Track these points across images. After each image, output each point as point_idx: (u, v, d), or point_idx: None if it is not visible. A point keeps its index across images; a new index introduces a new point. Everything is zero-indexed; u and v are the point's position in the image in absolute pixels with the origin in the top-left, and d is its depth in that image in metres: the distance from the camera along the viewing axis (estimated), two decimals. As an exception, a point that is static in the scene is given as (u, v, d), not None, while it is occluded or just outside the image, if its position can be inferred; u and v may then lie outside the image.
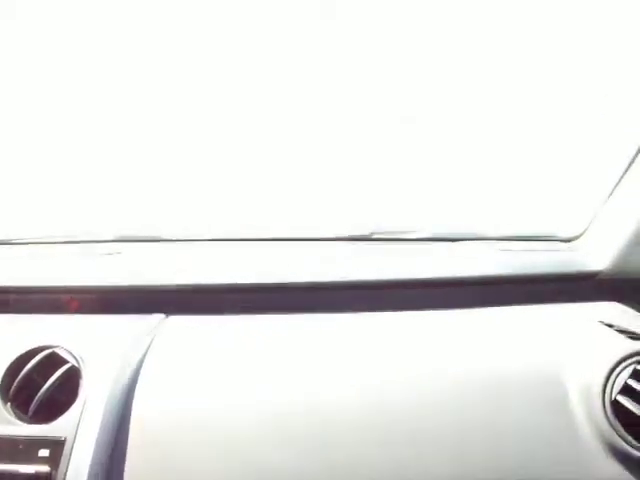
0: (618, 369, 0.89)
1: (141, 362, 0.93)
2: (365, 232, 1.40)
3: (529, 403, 0.91)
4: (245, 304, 1.08)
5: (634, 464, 0.85)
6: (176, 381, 0.91)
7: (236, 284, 1.12)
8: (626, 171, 1.08)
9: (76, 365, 0.90)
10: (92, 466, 0.81)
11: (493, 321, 1.07)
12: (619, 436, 0.86)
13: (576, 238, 1.24)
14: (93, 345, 0.94)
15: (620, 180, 1.09)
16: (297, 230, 1.43)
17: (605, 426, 0.87)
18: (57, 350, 0.92)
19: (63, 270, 1.16)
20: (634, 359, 0.90)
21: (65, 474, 0.80)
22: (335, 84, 2.74)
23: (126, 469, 0.82)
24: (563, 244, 1.26)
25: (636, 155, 1.06)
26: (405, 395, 0.90)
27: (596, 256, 1.14)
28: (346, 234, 1.40)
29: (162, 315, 1.04)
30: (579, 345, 0.97)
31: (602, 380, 0.89)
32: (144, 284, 1.11)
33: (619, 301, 1.09)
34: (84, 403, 0.86)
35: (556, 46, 2.48)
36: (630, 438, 0.85)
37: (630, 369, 0.89)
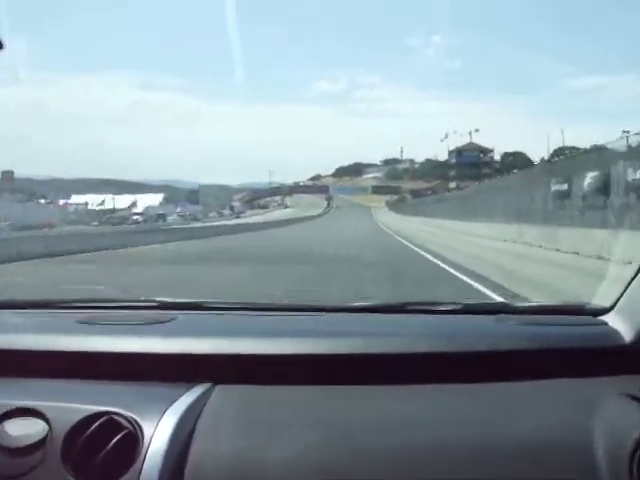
0: None
1: (193, 428, 0.99)
2: (398, 302, 1.46)
3: (559, 473, 0.93)
4: (293, 374, 1.12)
5: None
6: (227, 445, 0.97)
7: (281, 355, 1.16)
8: None
9: (132, 431, 0.96)
10: None
11: (523, 394, 1.09)
12: None
13: (605, 312, 1.27)
14: (149, 412, 0.99)
15: None
16: (336, 301, 1.51)
17: None
18: (115, 416, 0.97)
19: (116, 336, 1.22)
20: None
21: None
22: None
23: None
24: (592, 318, 1.29)
25: None
26: (438, 459, 0.94)
27: (624, 330, 1.17)
28: (383, 304, 1.47)
29: (209, 384, 1.09)
30: (606, 417, 1.00)
31: (629, 453, 0.91)
32: (195, 353, 1.16)
33: None
34: (141, 467, 0.92)
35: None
36: None
37: None
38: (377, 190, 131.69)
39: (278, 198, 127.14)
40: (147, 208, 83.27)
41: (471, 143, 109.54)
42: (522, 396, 1.09)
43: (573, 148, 46.87)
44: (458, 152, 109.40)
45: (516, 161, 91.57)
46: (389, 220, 60.06)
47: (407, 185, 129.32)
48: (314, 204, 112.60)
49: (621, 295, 1.24)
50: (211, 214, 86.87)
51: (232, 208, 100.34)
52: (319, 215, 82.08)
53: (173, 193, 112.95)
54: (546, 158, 44.70)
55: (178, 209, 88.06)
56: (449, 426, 1.01)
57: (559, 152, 52.35)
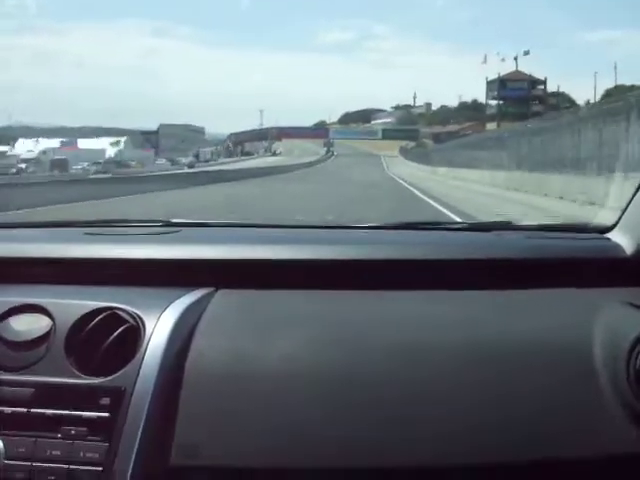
0: None
1: (194, 325, 1.01)
2: (407, 220, 1.48)
3: (556, 375, 0.95)
4: (293, 279, 1.14)
5: None
6: (227, 341, 1.00)
7: (282, 259, 1.18)
8: None
9: (135, 325, 0.99)
10: (149, 413, 0.90)
11: (524, 300, 1.11)
12: None
13: (609, 230, 1.27)
14: (152, 309, 1.02)
15: None
16: (343, 219, 1.50)
17: (629, 395, 0.91)
18: (118, 311, 1.00)
19: (121, 245, 1.24)
20: None
21: (125, 419, 0.89)
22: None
23: (180, 416, 0.91)
24: (596, 234, 1.29)
25: None
26: (436, 362, 0.97)
27: (626, 244, 1.17)
28: (388, 222, 1.48)
29: (212, 288, 1.12)
30: (606, 322, 1.01)
31: (626, 352, 0.93)
32: (198, 258, 1.18)
33: None
34: (142, 358, 0.94)
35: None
36: None
37: None
38: (389, 134, 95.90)
39: (267, 143, 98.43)
40: (43, 152, 60.37)
41: (517, 72, 79.78)
42: (523, 302, 1.10)
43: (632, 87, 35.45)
44: (501, 82, 79.12)
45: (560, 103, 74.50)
46: (408, 172, 41.42)
47: (427, 130, 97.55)
48: (308, 151, 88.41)
49: (623, 212, 1.24)
50: (158, 161, 65.41)
51: (197, 156, 77.67)
52: (311, 163, 61.27)
53: (135, 137, 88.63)
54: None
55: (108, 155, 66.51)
56: (447, 327, 1.03)
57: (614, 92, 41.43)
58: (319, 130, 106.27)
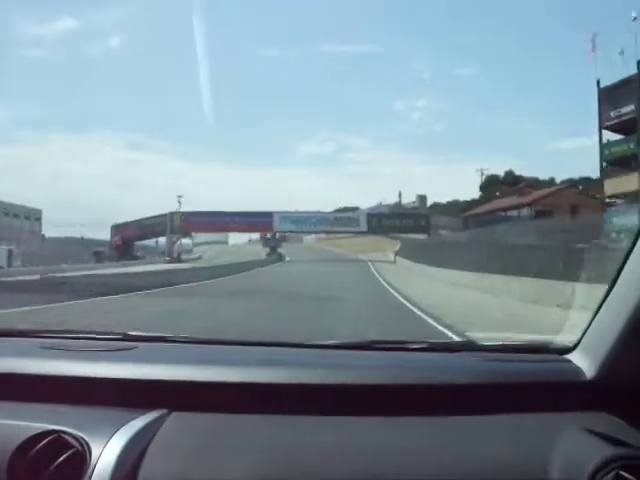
0: (601, 473, 0.92)
1: (144, 450, 0.98)
2: (367, 340, 1.45)
3: None
4: (248, 403, 1.12)
5: None
6: (177, 467, 0.97)
7: (237, 383, 1.16)
8: (614, 282, 1.12)
9: (80, 450, 0.95)
10: None
11: (484, 427, 1.09)
12: None
13: (570, 350, 1.27)
14: (100, 432, 0.99)
15: (608, 292, 1.13)
16: (303, 337, 1.48)
17: None
18: (64, 435, 0.97)
19: (77, 362, 1.22)
20: (616, 464, 0.92)
21: None
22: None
23: None
24: (557, 355, 1.29)
25: (622, 266, 1.10)
26: None
27: (586, 367, 1.17)
28: (349, 342, 1.46)
29: (165, 410, 1.09)
30: (565, 451, 1.00)
31: None
32: (153, 378, 1.16)
33: (608, 411, 1.10)
34: None
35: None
36: None
37: (612, 474, 0.91)
38: (379, 224, 54.84)
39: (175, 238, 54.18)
40: None
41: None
42: (483, 427, 1.09)
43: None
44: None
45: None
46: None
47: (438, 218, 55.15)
48: (243, 253, 55.65)
49: (584, 333, 1.24)
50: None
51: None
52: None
53: None
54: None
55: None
56: (406, 456, 1.01)
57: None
58: (258, 217, 54.25)
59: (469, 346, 1.39)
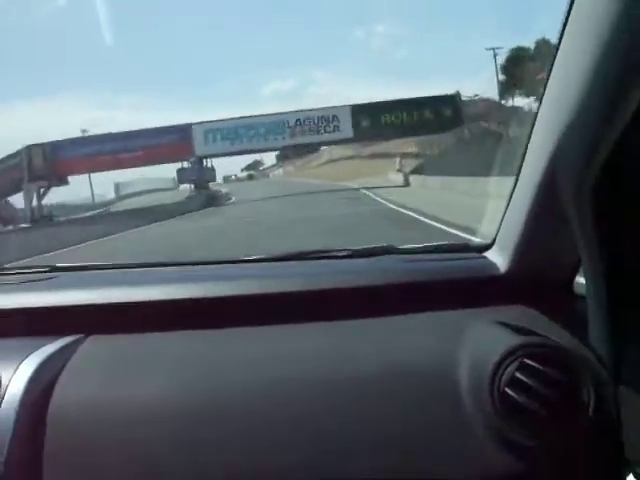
0: (506, 362, 0.93)
1: (57, 376, 0.99)
2: (290, 252, 1.45)
3: (420, 399, 0.95)
4: (165, 320, 1.12)
5: (522, 452, 0.89)
6: (91, 389, 0.98)
7: (152, 301, 1.15)
8: (518, 175, 1.10)
9: None
10: (6, 472, 0.88)
11: (401, 327, 1.10)
12: (507, 426, 0.90)
13: (488, 247, 1.28)
14: (10, 360, 0.99)
15: (514, 187, 1.12)
16: (226, 254, 1.48)
17: (494, 417, 0.91)
18: None
19: None
20: (521, 352, 0.93)
21: None
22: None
23: (41, 469, 0.90)
24: (475, 253, 1.30)
25: (522, 158, 1.08)
26: (311, 390, 0.97)
27: (500, 262, 1.18)
28: (273, 255, 1.45)
29: (81, 335, 1.09)
30: (474, 344, 1.01)
31: (490, 374, 0.93)
32: (68, 304, 1.15)
33: (522, 304, 1.11)
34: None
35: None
36: (518, 427, 0.89)
37: (517, 362, 0.92)
38: (374, 129, 33.58)
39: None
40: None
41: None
42: (399, 328, 1.10)
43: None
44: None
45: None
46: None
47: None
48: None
49: (498, 230, 1.24)
50: None
51: None
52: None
53: None
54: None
55: None
56: (319, 359, 1.03)
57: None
58: (163, 137, 35.27)
59: (391, 250, 1.39)
